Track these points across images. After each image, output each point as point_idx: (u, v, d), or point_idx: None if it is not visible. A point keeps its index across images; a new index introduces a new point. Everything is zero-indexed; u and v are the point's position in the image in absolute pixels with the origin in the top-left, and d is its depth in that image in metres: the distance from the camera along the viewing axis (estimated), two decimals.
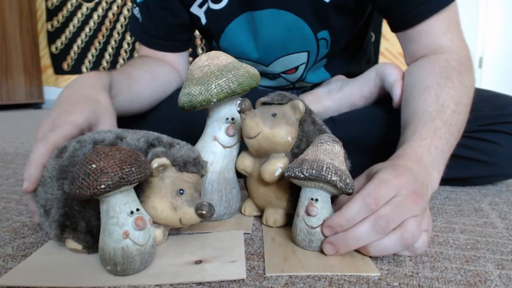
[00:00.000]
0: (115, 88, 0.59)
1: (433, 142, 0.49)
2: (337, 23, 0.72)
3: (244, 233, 0.46)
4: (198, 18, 0.77)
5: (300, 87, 0.85)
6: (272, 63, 0.78)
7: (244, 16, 0.73)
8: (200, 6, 0.75)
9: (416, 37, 0.64)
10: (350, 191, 0.40)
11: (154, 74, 0.71)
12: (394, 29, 0.67)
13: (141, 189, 0.39)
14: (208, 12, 0.75)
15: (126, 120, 0.65)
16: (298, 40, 0.74)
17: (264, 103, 0.48)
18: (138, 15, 0.76)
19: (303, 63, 0.78)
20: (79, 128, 0.45)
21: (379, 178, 0.40)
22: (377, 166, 0.44)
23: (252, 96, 0.48)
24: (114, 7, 2.72)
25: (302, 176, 0.39)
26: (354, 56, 0.86)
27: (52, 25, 2.92)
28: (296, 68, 0.79)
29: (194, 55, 2.47)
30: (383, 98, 0.70)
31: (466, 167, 0.65)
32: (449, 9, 0.60)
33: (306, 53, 0.76)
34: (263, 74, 0.81)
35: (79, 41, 2.86)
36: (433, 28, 0.62)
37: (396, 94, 0.64)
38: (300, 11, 0.70)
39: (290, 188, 0.46)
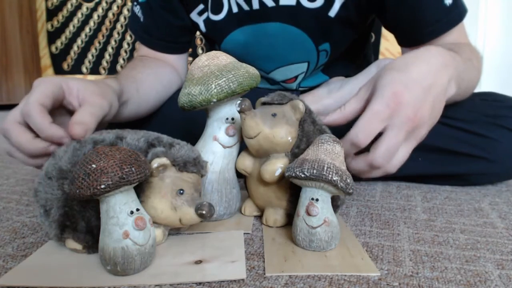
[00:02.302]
0: (125, 93, 0.58)
1: (450, 53, 0.50)
2: (338, 35, 0.72)
3: (244, 233, 0.46)
4: (198, 25, 0.77)
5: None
6: (272, 72, 0.78)
7: (245, 28, 0.73)
8: (200, 14, 0.75)
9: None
10: (351, 191, 0.40)
11: (156, 76, 0.71)
12: (403, 44, 0.67)
13: (141, 189, 0.39)
14: (207, 21, 0.75)
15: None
16: (299, 51, 0.74)
17: (264, 103, 0.48)
18: (140, 14, 0.76)
19: (302, 73, 0.78)
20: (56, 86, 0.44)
21: (371, 108, 0.43)
22: (382, 77, 0.45)
23: (252, 96, 0.48)
24: (114, 7, 2.71)
25: (303, 176, 0.39)
26: (354, 59, 0.85)
27: (52, 25, 2.92)
28: (296, 77, 0.79)
29: (194, 55, 2.47)
30: None
31: (466, 164, 0.65)
32: (460, 24, 0.61)
33: (306, 63, 0.76)
34: (263, 80, 0.81)
35: (79, 41, 2.86)
36: (444, 41, 0.62)
37: None
38: (303, 26, 0.70)
39: (290, 188, 0.46)
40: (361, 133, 0.43)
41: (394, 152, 0.44)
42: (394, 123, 0.43)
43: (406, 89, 0.43)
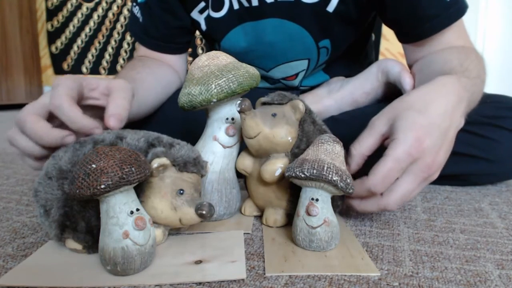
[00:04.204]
0: None
1: (462, 81, 0.49)
2: (339, 32, 0.72)
3: (244, 233, 0.46)
4: (198, 24, 0.77)
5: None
6: (272, 69, 0.78)
7: (245, 25, 0.73)
8: (201, 12, 0.75)
9: (427, 45, 0.64)
10: (351, 191, 0.40)
11: (155, 76, 0.71)
12: (403, 41, 0.67)
13: (141, 189, 0.39)
14: (208, 19, 0.75)
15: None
16: (299, 48, 0.74)
17: (264, 103, 0.48)
18: (139, 15, 0.76)
19: (303, 70, 0.78)
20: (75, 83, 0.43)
21: (392, 156, 0.42)
22: (401, 117, 0.44)
23: (252, 96, 0.48)
24: (114, 7, 2.71)
25: (303, 176, 0.39)
26: (355, 59, 0.85)
27: (52, 25, 2.92)
28: (296, 75, 0.79)
29: (194, 55, 2.47)
30: (386, 97, 0.70)
31: (466, 164, 0.65)
32: (459, 20, 0.61)
33: (306, 61, 0.76)
34: (263, 78, 0.81)
35: (79, 41, 2.86)
36: (445, 38, 0.62)
37: (406, 80, 0.63)
38: (302, 21, 0.70)
39: (290, 188, 0.46)
40: (380, 184, 0.42)
41: (408, 198, 0.44)
42: (412, 170, 0.43)
43: (427, 135, 0.42)
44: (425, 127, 0.43)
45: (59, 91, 0.41)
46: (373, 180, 0.42)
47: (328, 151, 0.41)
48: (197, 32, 0.84)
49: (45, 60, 2.98)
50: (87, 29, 2.82)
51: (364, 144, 0.46)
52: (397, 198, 0.43)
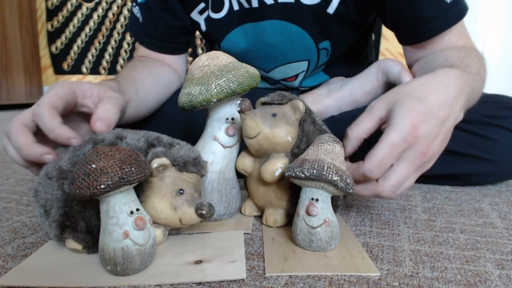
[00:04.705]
0: (124, 95, 0.58)
1: (464, 75, 0.49)
2: (339, 33, 0.71)
3: (244, 233, 0.46)
4: (198, 24, 0.76)
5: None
6: (272, 70, 0.78)
7: (245, 26, 0.73)
8: (200, 13, 0.75)
9: (427, 46, 0.64)
10: (351, 191, 0.40)
11: (155, 77, 0.71)
12: (403, 42, 0.67)
13: (141, 189, 0.39)
14: (208, 20, 0.74)
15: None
16: (299, 49, 0.74)
17: (264, 103, 0.48)
18: (139, 15, 0.76)
19: (303, 71, 0.78)
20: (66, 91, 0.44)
21: (388, 141, 0.42)
22: (400, 103, 0.44)
23: (252, 96, 0.48)
24: (114, 7, 2.71)
25: (303, 176, 0.39)
26: (355, 60, 0.85)
27: (52, 25, 2.91)
28: (296, 76, 0.79)
29: (194, 55, 2.47)
30: None
31: (466, 164, 0.65)
32: (460, 21, 0.61)
33: (306, 62, 0.76)
34: (263, 79, 0.81)
35: (79, 41, 2.86)
36: (445, 39, 0.62)
37: (406, 80, 0.63)
38: (302, 23, 0.70)
39: (290, 188, 0.46)
40: (375, 170, 0.42)
41: (403, 184, 0.44)
42: (407, 156, 0.43)
43: (424, 122, 0.42)
44: (422, 114, 0.43)
45: (44, 100, 0.42)
46: (369, 165, 0.42)
47: (328, 151, 0.41)
48: (197, 32, 0.84)
49: (45, 60, 2.98)
50: (87, 29, 2.82)
51: (362, 127, 0.46)
52: (392, 184, 0.43)
